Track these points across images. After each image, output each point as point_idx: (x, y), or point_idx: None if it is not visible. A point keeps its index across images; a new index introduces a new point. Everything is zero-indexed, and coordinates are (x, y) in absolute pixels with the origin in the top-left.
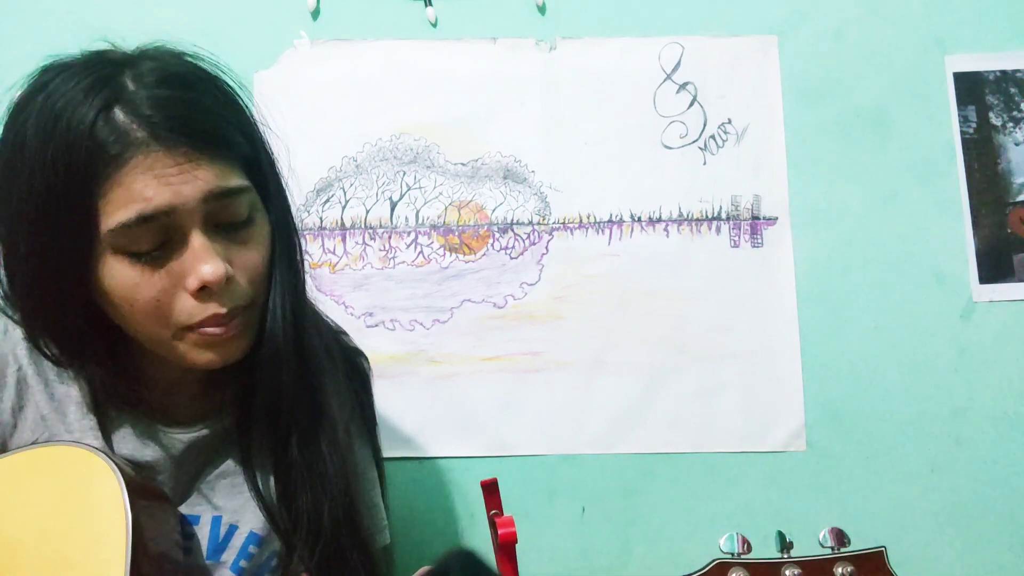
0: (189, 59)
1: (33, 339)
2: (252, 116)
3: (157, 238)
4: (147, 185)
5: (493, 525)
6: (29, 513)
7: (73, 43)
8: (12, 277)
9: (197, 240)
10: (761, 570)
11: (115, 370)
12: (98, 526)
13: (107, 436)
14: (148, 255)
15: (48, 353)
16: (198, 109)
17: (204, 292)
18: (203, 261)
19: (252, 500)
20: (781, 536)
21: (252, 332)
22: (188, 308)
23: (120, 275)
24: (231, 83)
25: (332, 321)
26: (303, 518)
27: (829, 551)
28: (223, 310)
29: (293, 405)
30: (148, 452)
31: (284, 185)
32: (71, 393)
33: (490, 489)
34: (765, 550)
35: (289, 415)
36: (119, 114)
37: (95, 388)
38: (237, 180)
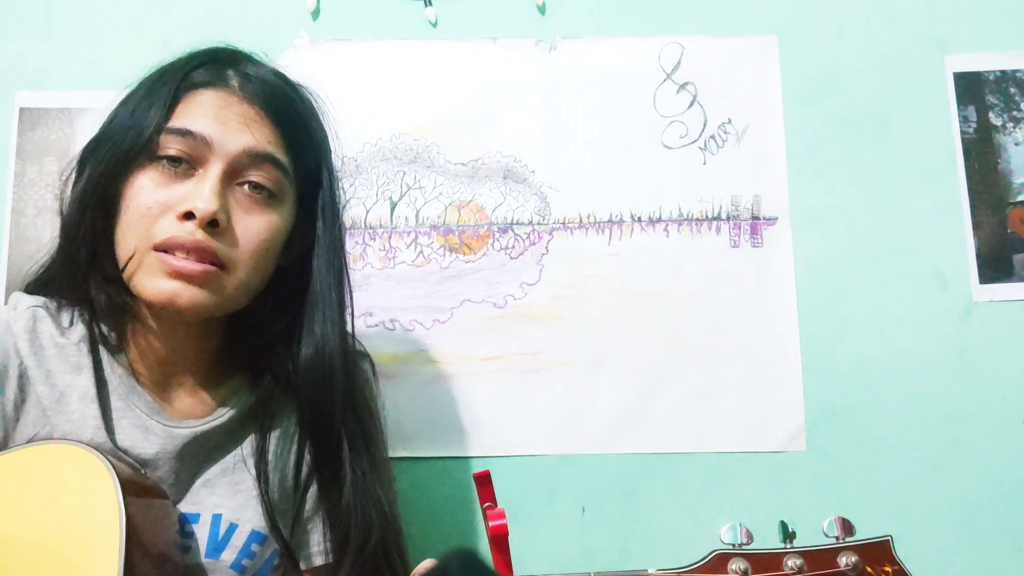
0: (304, 88)
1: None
2: (331, 150)
3: (183, 152)
4: (206, 114)
5: (486, 517)
6: (24, 512)
7: (72, 41)
8: (82, 165)
9: (212, 178)
10: (763, 560)
11: (113, 303)
12: (93, 525)
13: (109, 428)
14: (167, 160)
15: (68, 254)
16: (289, 102)
17: (187, 219)
18: (202, 193)
19: (252, 498)
20: (784, 526)
21: (215, 297)
22: (166, 225)
23: (139, 181)
24: (328, 123)
25: None
26: (351, 533)
27: (834, 541)
28: (192, 236)
29: (343, 428)
30: (149, 446)
31: (339, 220)
32: (74, 384)
33: (483, 481)
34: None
35: (339, 436)
36: (228, 72)
37: (93, 317)
38: (282, 156)
